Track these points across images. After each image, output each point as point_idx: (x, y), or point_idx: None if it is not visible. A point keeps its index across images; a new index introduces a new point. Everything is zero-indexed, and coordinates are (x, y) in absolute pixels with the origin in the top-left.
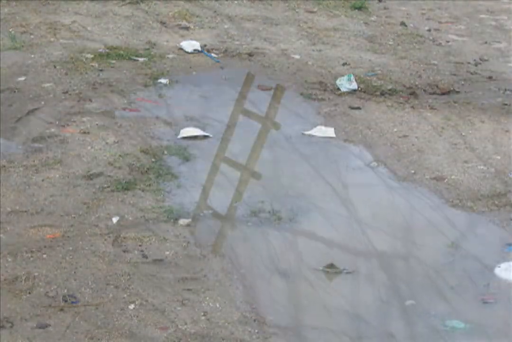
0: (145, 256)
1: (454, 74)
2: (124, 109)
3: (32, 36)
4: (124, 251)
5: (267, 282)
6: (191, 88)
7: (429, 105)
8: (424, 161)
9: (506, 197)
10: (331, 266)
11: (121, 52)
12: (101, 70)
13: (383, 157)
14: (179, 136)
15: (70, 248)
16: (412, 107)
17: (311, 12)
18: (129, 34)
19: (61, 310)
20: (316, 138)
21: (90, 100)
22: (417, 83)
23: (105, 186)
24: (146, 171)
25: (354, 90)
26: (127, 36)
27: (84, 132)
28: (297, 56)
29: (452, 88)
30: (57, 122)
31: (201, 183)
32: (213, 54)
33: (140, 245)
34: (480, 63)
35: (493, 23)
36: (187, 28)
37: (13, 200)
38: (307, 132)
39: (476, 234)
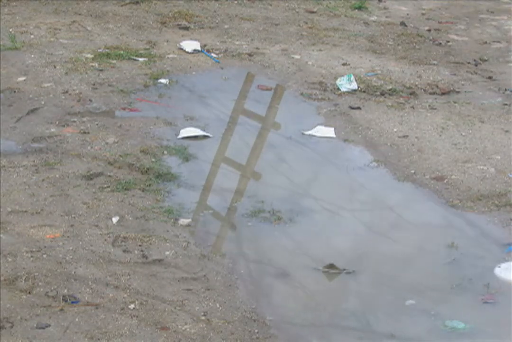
0: (145, 256)
1: (454, 74)
2: (124, 109)
3: (32, 36)
4: (124, 251)
5: (267, 282)
6: (191, 88)
7: (429, 105)
8: (424, 161)
9: (506, 197)
10: (331, 266)
11: (121, 52)
12: (101, 70)
13: (383, 157)
14: (179, 136)
15: (70, 248)
16: (412, 107)
17: (311, 12)
18: (129, 34)
19: (61, 310)
20: (316, 138)
21: (90, 100)
22: (417, 83)
23: (105, 186)
24: (146, 171)
25: (354, 90)
26: (127, 36)
27: (84, 132)
28: (297, 56)
29: (452, 88)
30: (57, 122)
31: (201, 183)
32: (213, 54)
33: (140, 245)
34: (480, 63)
35: (493, 23)
36: (187, 28)
37: (13, 200)
38: (307, 132)
39: (476, 234)
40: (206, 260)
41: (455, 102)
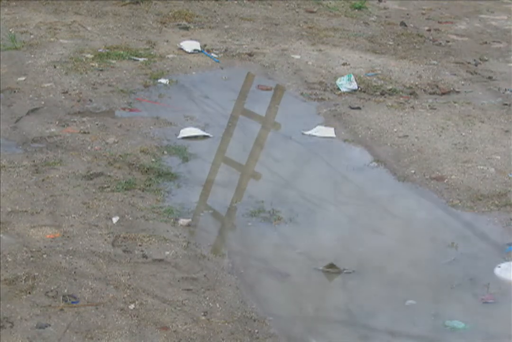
0: (145, 256)
1: (454, 74)
2: (124, 109)
3: (32, 36)
4: (124, 251)
5: (267, 282)
6: (191, 88)
7: (429, 105)
8: (424, 161)
9: (506, 197)
10: (331, 266)
11: (121, 52)
12: (101, 70)
13: (383, 157)
14: (179, 136)
15: (70, 248)
16: (412, 107)
17: (311, 12)
18: (129, 34)
19: (61, 310)
20: (316, 138)
21: (90, 100)
22: (417, 83)
23: (105, 186)
24: (146, 171)
25: (354, 90)
26: (127, 36)
27: (84, 132)
28: (297, 56)
29: (452, 88)
30: (57, 122)
31: (201, 183)
32: (213, 54)
33: (140, 245)
34: (480, 63)
35: (493, 23)
36: (187, 28)
37: (13, 200)
38: (307, 132)
39: (476, 234)
40: (206, 260)
41: (455, 102)
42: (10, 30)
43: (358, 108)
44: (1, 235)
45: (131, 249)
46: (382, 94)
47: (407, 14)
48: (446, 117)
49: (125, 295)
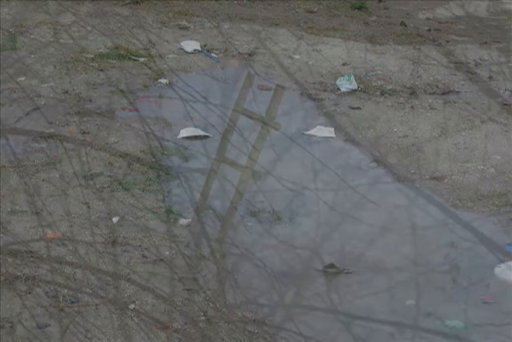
0: (145, 256)
1: (454, 74)
2: (124, 109)
3: (32, 36)
4: (124, 251)
5: (267, 282)
6: (191, 88)
7: (429, 105)
8: (424, 161)
9: (506, 197)
10: (331, 266)
11: (121, 52)
12: (101, 70)
13: (383, 157)
14: (179, 136)
15: (70, 248)
16: (412, 107)
17: (311, 12)
18: (129, 34)
19: (61, 310)
20: (316, 138)
21: (90, 100)
22: (417, 83)
23: (105, 186)
24: (146, 171)
25: (354, 90)
26: (127, 36)
27: (84, 132)
28: (297, 56)
29: (452, 88)
30: (57, 122)
31: (201, 183)
32: (213, 54)
33: (140, 245)
34: (480, 63)
35: (493, 23)
36: (187, 28)
37: (13, 200)
38: (307, 132)
39: (476, 234)
40: (206, 260)
41: (455, 102)
42: (10, 30)
43: (358, 108)
44: (1, 235)
45: (131, 249)
46: (382, 94)
47: (407, 14)
48: (446, 117)
49: (125, 295)
